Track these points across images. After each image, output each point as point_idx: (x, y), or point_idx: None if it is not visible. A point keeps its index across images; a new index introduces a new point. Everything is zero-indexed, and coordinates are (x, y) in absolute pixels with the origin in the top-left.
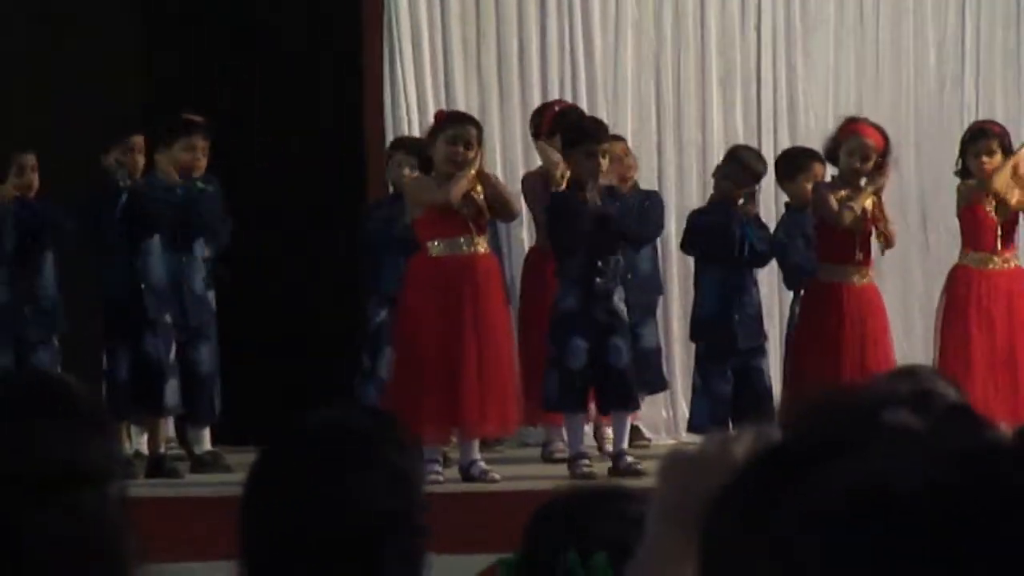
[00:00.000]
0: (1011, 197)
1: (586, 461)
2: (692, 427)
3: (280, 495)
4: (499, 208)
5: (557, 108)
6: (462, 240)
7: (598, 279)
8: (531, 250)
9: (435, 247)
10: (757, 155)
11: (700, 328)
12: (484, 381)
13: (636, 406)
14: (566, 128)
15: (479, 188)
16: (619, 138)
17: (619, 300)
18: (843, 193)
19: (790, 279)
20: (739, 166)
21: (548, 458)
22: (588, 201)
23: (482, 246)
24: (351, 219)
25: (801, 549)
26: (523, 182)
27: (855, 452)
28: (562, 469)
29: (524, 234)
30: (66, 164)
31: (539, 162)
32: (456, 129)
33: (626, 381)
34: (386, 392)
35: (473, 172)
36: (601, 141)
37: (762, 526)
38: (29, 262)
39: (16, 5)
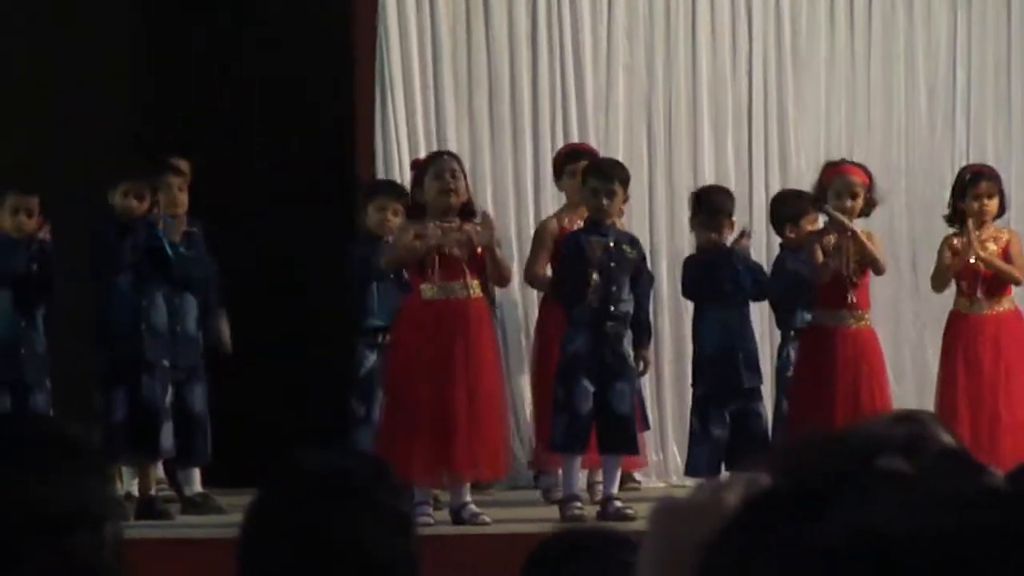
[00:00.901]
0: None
1: (578, 504)
2: (688, 470)
3: (280, 537)
4: (495, 276)
5: (563, 150)
6: (456, 284)
7: (610, 323)
8: (546, 295)
9: (428, 290)
10: (721, 192)
11: (702, 369)
12: (475, 424)
13: (636, 451)
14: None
15: (455, 247)
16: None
17: (627, 345)
18: (833, 239)
19: (782, 318)
20: (710, 210)
21: (549, 499)
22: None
23: (475, 290)
24: (350, 220)
25: None
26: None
27: (849, 497)
28: (553, 511)
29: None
30: (66, 164)
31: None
32: (438, 164)
33: (628, 425)
34: (377, 435)
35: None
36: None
37: (757, 572)
38: (26, 306)
39: (16, 5)
